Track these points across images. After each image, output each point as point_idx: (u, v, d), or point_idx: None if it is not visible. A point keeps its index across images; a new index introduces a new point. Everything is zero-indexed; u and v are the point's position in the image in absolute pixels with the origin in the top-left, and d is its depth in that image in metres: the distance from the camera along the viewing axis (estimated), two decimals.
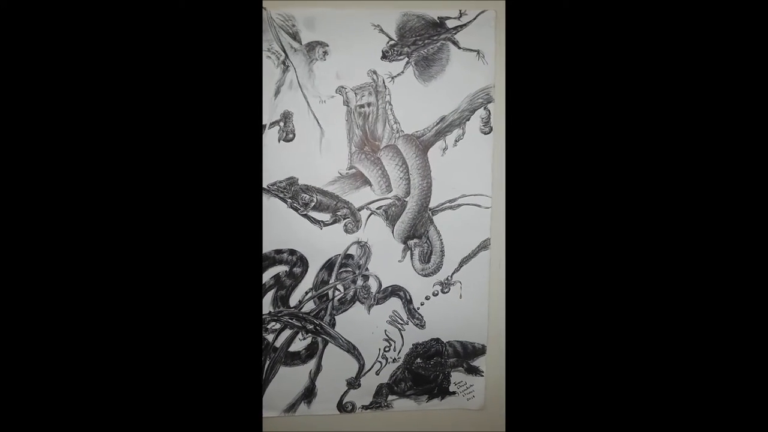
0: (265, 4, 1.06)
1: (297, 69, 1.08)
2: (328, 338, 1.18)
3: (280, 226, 1.12)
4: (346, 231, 1.15)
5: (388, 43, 1.09)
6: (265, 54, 1.07)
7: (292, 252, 1.14)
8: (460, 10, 1.10)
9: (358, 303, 1.18)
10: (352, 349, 1.19)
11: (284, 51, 1.07)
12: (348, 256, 1.16)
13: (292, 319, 1.17)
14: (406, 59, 1.10)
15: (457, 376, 1.24)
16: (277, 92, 1.08)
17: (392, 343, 1.20)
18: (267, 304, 1.16)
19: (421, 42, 1.10)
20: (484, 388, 1.24)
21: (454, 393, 1.24)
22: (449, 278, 1.18)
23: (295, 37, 1.08)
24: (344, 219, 1.14)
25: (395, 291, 1.18)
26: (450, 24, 1.11)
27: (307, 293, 1.16)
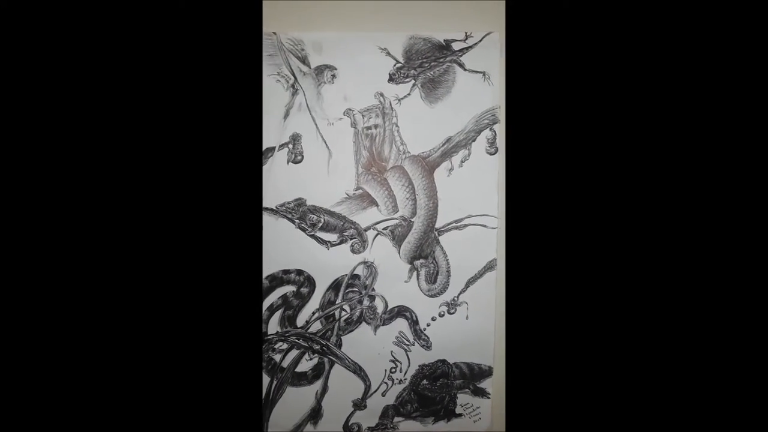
0: (275, 28, 1.08)
1: (306, 92, 1.10)
2: (334, 359, 1.18)
3: (288, 247, 1.13)
4: (353, 251, 1.15)
5: (394, 65, 1.11)
6: (274, 78, 1.09)
7: (299, 272, 1.15)
8: (466, 33, 1.11)
9: (364, 323, 1.18)
10: (358, 370, 1.19)
11: (293, 75, 1.09)
12: (354, 277, 1.16)
13: (299, 339, 1.17)
14: (413, 81, 1.12)
15: (463, 398, 1.23)
16: (286, 115, 1.10)
17: (398, 364, 1.20)
18: (274, 324, 1.16)
19: (428, 64, 1.12)
20: (491, 410, 1.23)
21: (460, 415, 1.23)
22: (456, 299, 1.18)
23: (304, 60, 1.09)
24: (351, 239, 1.14)
25: (401, 312, 1.18)
26: (456, 46, 1.12)
27: (314, 313, 1.16)
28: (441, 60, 1.12)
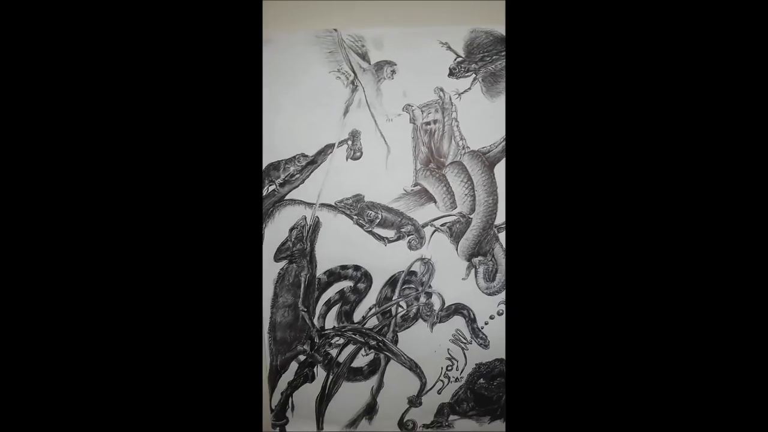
0: (335, 25, 1.08)
1: (365, 88, 1.09)
2: (390, 355, 1.18)
3: (346, 242, 1.14)
4: (410, 248, 1.14)
5: (455, 60, 1.09)
6: (335, 74, 1.09)
7: (356, 268, 1.15)
8: None
9: (420, 320, 1.17)
10: (414, 367, 1.19)
11: (353, 71, 1.09)
12: (411, 273, 1.15)
13: (355, 335, 1.18)
14: (474, 76, 1.09)
15: None
16: (346, 111, 1.10)
17: (455, 362, 1.18)
18: (331, 319, 1.17)
19: (489, 58, 1.09)
20: None
21: None
22: None
23: (364, 57, 1.09)
24: (408, 236, 1.14)
25: (459, 309, 1.17)
26: None
27: (370, 309, 1.17)
28: (503, 53, 1.09)
